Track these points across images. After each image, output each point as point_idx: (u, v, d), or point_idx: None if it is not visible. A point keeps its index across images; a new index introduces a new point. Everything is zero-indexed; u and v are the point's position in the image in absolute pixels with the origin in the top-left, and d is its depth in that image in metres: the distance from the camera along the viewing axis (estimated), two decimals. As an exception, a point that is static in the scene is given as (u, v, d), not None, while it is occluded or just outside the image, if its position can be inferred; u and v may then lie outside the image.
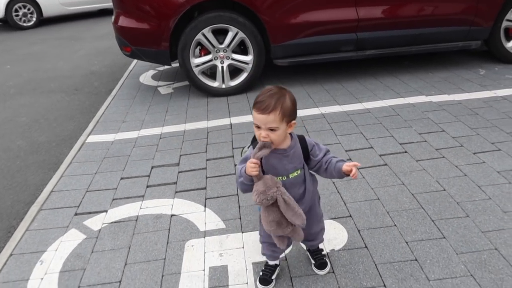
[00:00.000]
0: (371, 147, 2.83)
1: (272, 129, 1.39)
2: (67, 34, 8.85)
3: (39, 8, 9.74)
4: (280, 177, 1.49)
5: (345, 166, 1.48)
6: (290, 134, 1.52)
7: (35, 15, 9.75)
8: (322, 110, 3.50)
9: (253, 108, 1.41)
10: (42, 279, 1.92)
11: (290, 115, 1.42)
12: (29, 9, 9.64)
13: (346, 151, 2.80)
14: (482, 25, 3.97)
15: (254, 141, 1.56)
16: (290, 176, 1.50)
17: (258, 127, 1.41)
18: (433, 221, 2.06)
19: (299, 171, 1.52)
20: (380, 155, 2.71)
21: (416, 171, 2.50)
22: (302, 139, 1.55)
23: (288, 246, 1.70)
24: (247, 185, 1.47)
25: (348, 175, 1.48)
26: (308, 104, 3.66)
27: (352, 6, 3.82)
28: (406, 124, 3.13)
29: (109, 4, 8.99)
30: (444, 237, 1.94)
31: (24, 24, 9.65)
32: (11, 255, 2.09)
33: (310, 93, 3.87)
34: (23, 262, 2.03)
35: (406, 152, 2.73)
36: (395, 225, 2.05)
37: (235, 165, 2.73)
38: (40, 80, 5.56)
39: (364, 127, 3.13)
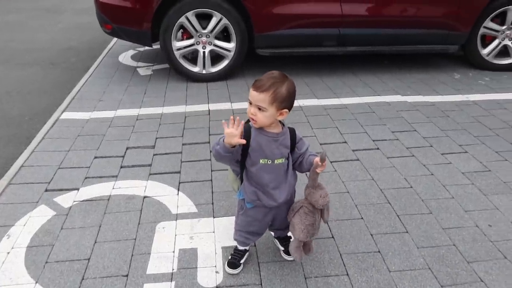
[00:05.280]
0: (345, 142, 2.90)
1: (260, 109, 1.46)
2: (47, 5, 8.54)
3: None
4: (265, 160, 1.54)
5: (317, 159, 1.54)
6: (282, 123, 1.58)
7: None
8: (300, 102, 3.55)
9: (252, 85, 1.48)
10: (8, 253, 1.89)
11: (281, 102, 1.46)
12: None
13: (320, 144, 2.86)
14: (461, 30, 4.09)
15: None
16: (275, 161, 1.56)
17: (250, 103, 1.48)
18: (398, 216, 2.14)
19: (283, 160, 1.58)
20: (353, 150, 2.79)
21: (386, 168, 2.58)
22: (292, 131, 1.61)
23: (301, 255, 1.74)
24: (222, 155, 1.51)
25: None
26: (287, 95, 3.68)
27: (337, 2, 3.86)
28: (380, 121, 3.21)
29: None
30: (407, 232, 2.03)
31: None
32: (-24, 227, 2.05)
33: (290, 85, 3.89)
34: (-11, 236, 2.00)
35: (378, 148, 2.81)
36: (362, 218, 2.13)
37: (211, 152, 2.74)
38: (14, 51, 5.38)
39: (340, 122, 3.19)
